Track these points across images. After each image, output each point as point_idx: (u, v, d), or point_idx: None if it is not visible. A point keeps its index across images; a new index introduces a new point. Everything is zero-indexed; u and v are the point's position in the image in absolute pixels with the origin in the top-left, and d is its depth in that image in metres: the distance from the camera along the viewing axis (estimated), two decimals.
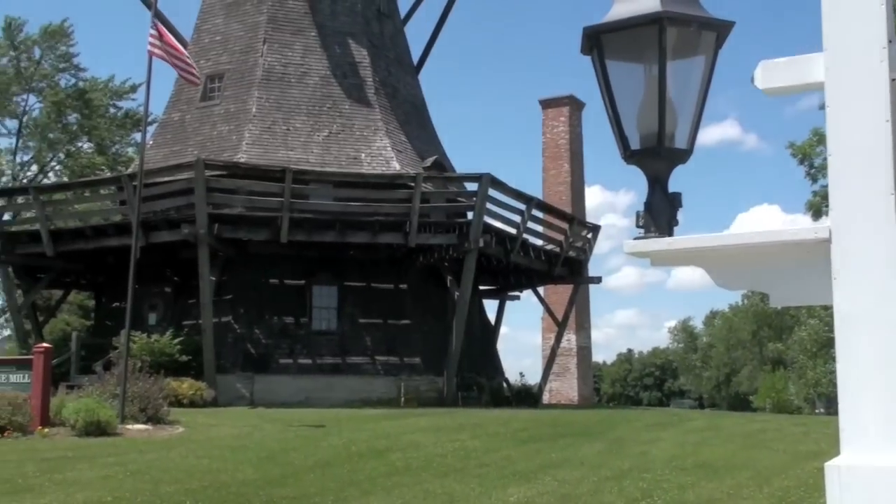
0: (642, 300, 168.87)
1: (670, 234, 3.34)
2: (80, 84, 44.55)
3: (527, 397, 31.36)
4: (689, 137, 3.37)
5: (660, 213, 3.36)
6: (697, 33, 3.30)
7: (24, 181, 41.78)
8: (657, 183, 3.39)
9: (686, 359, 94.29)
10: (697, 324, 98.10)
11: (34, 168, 44.70)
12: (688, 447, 16.19)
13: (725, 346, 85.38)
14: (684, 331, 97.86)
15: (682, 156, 3.39)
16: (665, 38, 3.19)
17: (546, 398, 36.49)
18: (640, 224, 3.41)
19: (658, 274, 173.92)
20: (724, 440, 17.64)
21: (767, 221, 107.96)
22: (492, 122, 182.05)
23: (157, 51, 18.67)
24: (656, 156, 3.33)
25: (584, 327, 42.02)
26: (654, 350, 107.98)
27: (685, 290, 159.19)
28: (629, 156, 3.40)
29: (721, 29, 3.33)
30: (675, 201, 3.40)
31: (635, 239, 3.35)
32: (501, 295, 35.22)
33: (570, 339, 39.82)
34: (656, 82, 3.30)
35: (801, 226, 6.33)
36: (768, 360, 75.21)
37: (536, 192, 37.78)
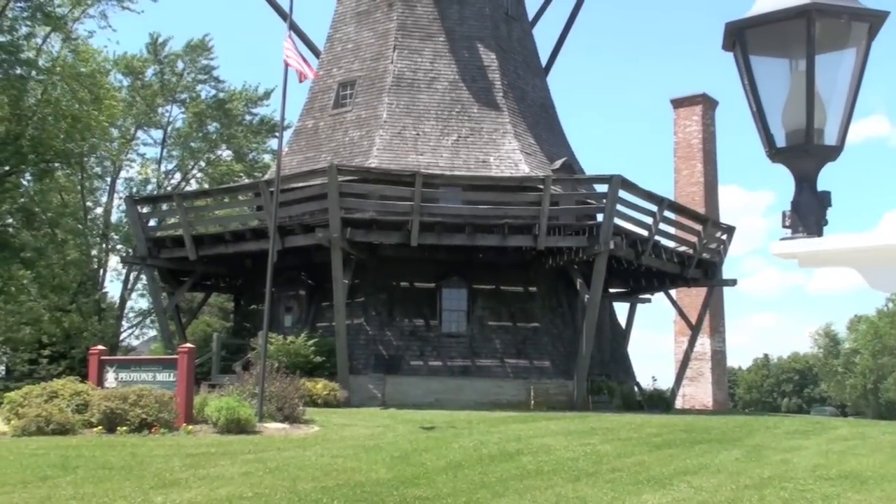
0: (780, 304, 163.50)
1: (819, 234, 3.23)
2: (220, 95, 46.28)
3: (659, 402, 30.75)
4: (839, 133, 3.24)
5: (808, 213, 3.24)
6: (848, 25, 3.18)
7: (169, 188, 43.68)
8: (805, 181, 3.27)
9: (827, 365, 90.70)
10: (839, 329, 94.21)
11: (177, 176, 46.69)
12: (832, 456, 15.54)
13: (871, 352, 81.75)
14: (826, 335, 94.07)
15: (832, 153, 3.26)
16: (814, 30, 3.09)
17: (679, 403, 35.72)
18: (787, 224, 3.30)
19: (797, 277, 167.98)
20: (871, 450, 16.85)
21: None
22: (622, 122, 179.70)
23: (291, 60, 19.21)
24: (804, 153, 3.22)
25: (718, 331, 40.96)
26: (794, 355, 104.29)
27: (826, 294, 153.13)
28: (775, 154, 3.30)
29: (874, 20, 3.19)
30: (824, 200, 3.28)
31: (782, 240, 3.24)
32: (632, 297, 34.68)
33: (703, 343, 38.89)
34: (804, 77, 3.19)
35: None
36: None
37: (668, 192, 37.10)
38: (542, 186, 26.71)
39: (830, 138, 3.24)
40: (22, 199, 31.81)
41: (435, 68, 32.00)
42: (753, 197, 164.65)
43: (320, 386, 24.04)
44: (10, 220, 32.71)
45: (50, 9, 31.72)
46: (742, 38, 3.26)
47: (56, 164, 35.07)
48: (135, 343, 48.50)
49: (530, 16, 37.29)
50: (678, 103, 42.90)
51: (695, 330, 33.20)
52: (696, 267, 31.23)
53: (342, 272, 25.87)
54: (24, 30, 31.79)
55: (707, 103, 42.43)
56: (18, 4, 31.22)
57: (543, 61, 36.76)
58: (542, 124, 33.50)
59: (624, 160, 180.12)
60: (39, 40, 32.67)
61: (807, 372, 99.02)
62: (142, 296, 44.51)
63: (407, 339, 28.14)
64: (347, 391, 24.96)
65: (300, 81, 20.18)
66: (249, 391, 18.36)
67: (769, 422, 23.72)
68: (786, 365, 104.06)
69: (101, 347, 18.97)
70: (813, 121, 3.16)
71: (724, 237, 32.62)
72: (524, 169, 29.57)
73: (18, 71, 30.79)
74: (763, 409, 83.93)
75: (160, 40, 44.39)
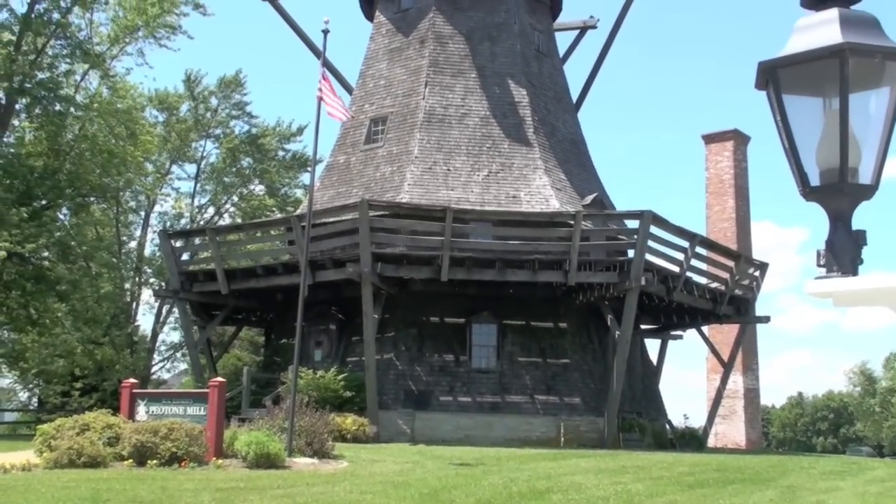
0: (815, 341, 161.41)
1: (854, 273, 3.20)
2: (253, 130, 46.83)
3: (691, 440, 30.38)
4: (874, 172, 3.22)
5: (843, 252, 3.22)
6: (882, 64, 3.17)
7: (202, 222, 44.11)
8: (840, 220, 3.25)
9: (863, 404, 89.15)
10: (875, 367, 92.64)
11: (211, 210, 47.15)
12: (869, 498, 15.24)
13: None
14: (862, 374, 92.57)
15: (867, 192, 3.25)
16: (847, 70, 3.08)
17: (711, 441, 35.26)
18: (822, 263, 3.28)
19: (832, 314, 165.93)
20: None
21: None
22: (653, 158, 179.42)
23: (330, 103, 19.44)
24: (839, 192, 3.20)
25: (751, 368, 40.49)
26: (829, 394, 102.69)
27: (862, 332, 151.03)
28: (809, 193, 3.28)
29: None
30: (859, 239, 3.26)
31: (817, 279, 3.22)
32: (663, 334, 34.40)
33: (736, 381, 38.44)
34: (837, 116, 3.19)
35: None
36: None
37: (700, 228, 36.87)
38: (572, 222, 26.68)
39: (865, 177, 3.22)
40: (58, 233, 32.24)
41: (466, 104, 32.21)
42: (787, 233, 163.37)
43: (350, 421, 24.00)
44: (47, 254, 33.14)
45: (89, 46, 32.34)
46: (775, 77, 3.27)
47: (92, 199, 35.57)
48: (166, 376, 48.86)
49: (561, 52, 37.52)
50: (709, 139, 42.79)
51: (727, 367, 32.85)
52: (729, 304, 30.97)
53: (372, 307, 25.92)
54: (63, 67, 32.42)
55: (738, 139, 42.29)
56: (59, 42, 31.88)
57: (574, 97, 36.89)
58: (573, 160, 33.53)
59: (655, 196, 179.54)
60: (78, 77, 33.28)
61: (842, 411, 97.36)
62: (173, 329, 44.88)
63: (437, 375, 28.07)
64: (377, 426, 24.91)
65: (335, 118, 20.39)
66: (279, 426, 18.37)
67: (804, 462, 23.34)
68: (820, 403, 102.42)
69: (132, 381, 19.09)
70: (847, 159, 3.15)
71: (757, 273, 32.35)
72: (555, 204, 29.56)
73: (57, 107, 31.36)
74: (798, 449, 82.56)
75: (195, 76, 45.10)
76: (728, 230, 40.50)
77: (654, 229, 27.11)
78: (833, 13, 3.17)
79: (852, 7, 3.19)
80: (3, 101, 30.81)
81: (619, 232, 29.98)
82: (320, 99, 19.38)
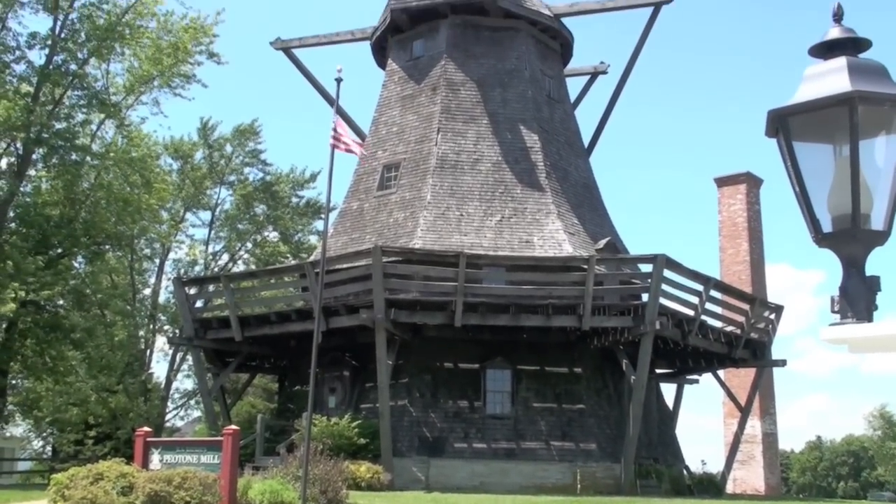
0: (834, 385, 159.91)
1: (869, 319, 3.19)
2: (267, 177, 47.17)
3: (709, 486, 30.00)
4: (886, 218, 3.23)
5: (857, 298, 3.22)
6: (891, 111, 3.19)
7: (216, 269, 44.26)
8: (853, 267, 3.25)
9: (884, 448, 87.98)
10: (895, 410, 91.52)
11: (225, 257, 47.34)
12: None
13: None
14: (882, 417, 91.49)
15: (880, 238, 3.25)
16: (857, 117, 3.11)
17: (730, 487, 34.81)
18: (836, 309, 3.27)
19: (850, 358, 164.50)
20: None
21: None
22: (665, 201, 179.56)
23: (338, 143, 19.58)
24: (851, 238, 3.21)
25: (769, 413, 40.08)
26: (848, 437, 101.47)
27: (881, 375, 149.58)
28: (821, 239, 3.29)
29: None
30: (873, 285, 3.26)
31: (831, 325, 3.22)
32: (679, 378, 34.16)
33: (754, 426, 38.05)
34: (847, 163, 3.21)
35: None
36: None
37: (714, 272, 36.73)
38: (586, 266, 26.66)
39: (877, 223, 3.23)
40: (73, 281, 32.42)
41: (478, 150, 32.39)
42: (803, 276, 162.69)
43: (364, 469, 23.84)
44: (62, 302, 33.30)
45: (105, 96, 32.78)
46: (785, 124, 3.29)
47: (107, 247, 35.80)
48: (179, 424, 48.66)
49: (572, 97, 37.81)
50: (722, 182, 42.83)
51: (744, 412, 32.55)
52: (745, 347, 30.77)
53: (386, 353, 25.86)
54: (80, 117, 32.84)
55: (751, 182, 42.31)
56: (76, 93, 32.34)
57: (586, 141, 37.07)
58: (586, 204, 33.60)
59: (668, 239, 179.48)
60: (94, 127, 33.69)
61: (862, 455, 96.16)
62: (187, 376, 44.81)
63: (451, 421, 27.90)
64: (391, 474, 24.72)
65: (353, 154, 20.52)
66: (293, 474, 18.27)
67: None
68: (840, 448, 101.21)
69: (146, 429, 19.05)
70: (859, 206, 3.16)
71: (773, 317, 32.17)
72: (568, 249, 29.57)
73: (74, 157, 31.71)
74: (818, 494, 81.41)
75: (210, 124, 45.56)
76: (742, 273, 40.35)
77: (667, 273, 27.05)
78: (841, 62, 3.20)
79: (860, 55, 3.23)
80: (21, 152, 31.20)
81: (633, 276, 29.92)
82: (333, 147, 19.53)
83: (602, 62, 39.77)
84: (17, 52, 31.04)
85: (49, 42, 30.79)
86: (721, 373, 34.10)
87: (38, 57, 31.51)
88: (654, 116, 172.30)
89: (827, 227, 3.29)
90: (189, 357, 37.95)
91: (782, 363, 33.03)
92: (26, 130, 29.51)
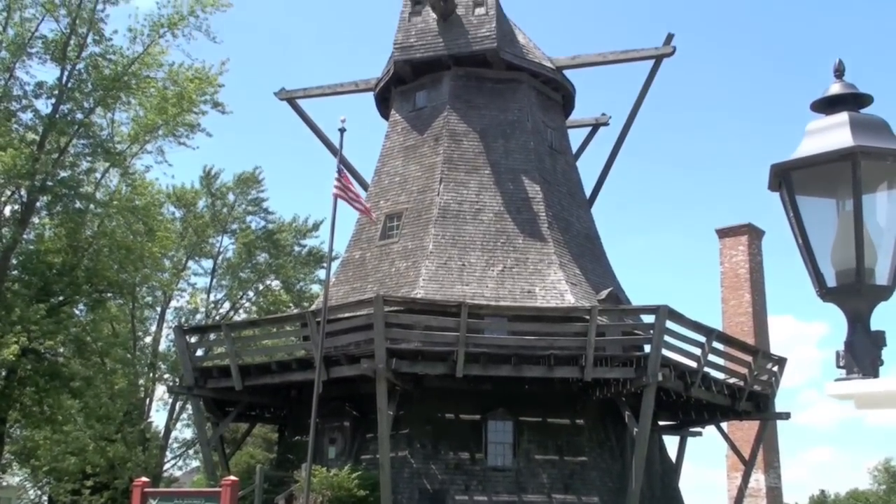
0: (838, 438, 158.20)
1: (875, 375, 3.17)
2: (269, 226, 47.30)
3: None
4: (891, 273, 3.22)
5: (862, 354, 3.20)
6: (894, 166, 3.20)
7: (217, 318, 44.16)
8: (858, 321, 3.24)
9: (889, 502, 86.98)
10: None
11: (226, 305, 47.26)
12: None
13: None
14: (886, 471, 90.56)
15: (884, 293, 3.24)
16: (859, 172, 3.12)
17: None
18: (841, 364, 3.25)
19: (855, 411, 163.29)
20: None
21: None
22: (666, 252, 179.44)
23: (341, 193, 19.69)
24: (856, 293, 3.20)
25: (773, 466, 39.67)
26: (853, 491, 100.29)
27: (886, 428, 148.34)
28: (826, 293, 3.28)
29: None
30: (878, 340, 3.24)
31: (837, 381, 3.19)
32: (682, 431, 33.86)
33: (758, 479, 37.63)
34: (851, 217, 3.21)
35: None
36: None
37: (716, 323, 36.61)
38: (588, 317, 26.58)
39: (882, 278, 3.22)
40: (74, 329, 32.33)
41: (480, 200, 32.50)
42: (807, 328, 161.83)
43: None
44: (62, 350, 33.18)
45: (110, 145, 32.99)
46: (788, 179, 3.30)
47: (109, 295, 35.75)
48: (177, 473, 48.22)
49: (574, 148, 38.05)
50: (723, 233, 42.87)
51: (748, 465, 32.22)
52: (748, 399, 30.57)
53: (387, 403, 25.68)
54: (85, 165, 33.02)
55: (753, 233, 42.35)
56: (81, 142, 32.55)
57: (588, 192, 37.21)
58: (588, 255, 33.62)
59: (670, 290, 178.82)
60: (99, 175, 33.85)
61: None
62: (186, 426, 44.51)
63: (452, 473, 27.62)
64: None
65: (371, 220, 20.63)
66: None
67: None
68: (844, 502, 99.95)
69: (144, 479, 18.90)
70: (863, 261, 3.16)
71: (776, 369, 32.02)
72: (570, 299, 29.51)
73: (77, 204, 31.82)
74: None
75: (212, 173, 45.81)
76: (745, 324, 40.21)
77: (670, 324, 26.97)
78: (843, 117, 3.22)
79: (861, 111, 3.25)
80: (25, 199, 31.32)
81: (635, 327, 29.84)
82: (336, 196, 19.62)
83: (604, 114, 40.09)
84: (24, 101, 31.34)
85: (56, 91, 31.08)
86: (724, 425, 33.84)
87: (44, 106, 31.76)
88: (656, 167, 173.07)
89: (831, 281, 3.29)
90: (189, 406, 37.70)
91: (786, 416, 32.80)
92: (31, 178, 29.65)
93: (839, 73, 3.33)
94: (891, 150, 3.16)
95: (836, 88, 3.32)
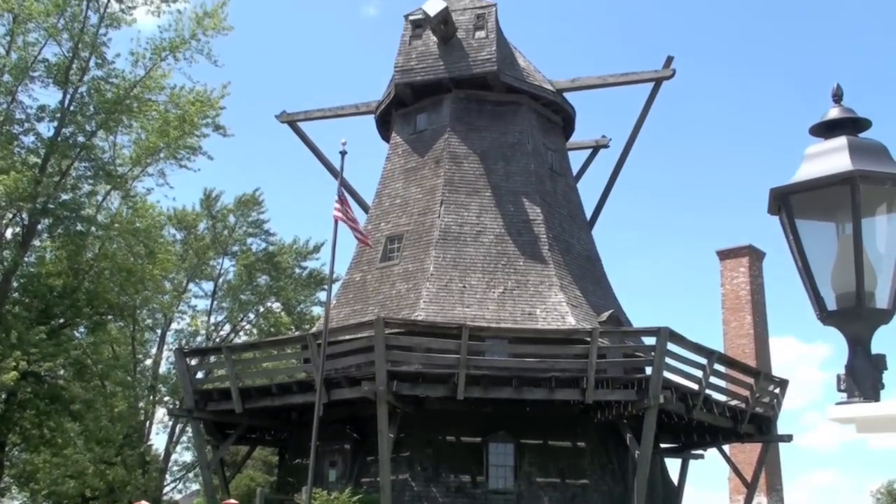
0: (840, 460, 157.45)
1: (876, 398, 3.17)
2: (270, 248, 47.34)
3: None
4: (891, 297, 3.23)
5: (863, 377, 3.20)
6: (892, 190, 3.21)
7: (218, 340, 44.12)
8: (858, 345, 3.24)
9: None
10: None
11: (227, 328, 47.23)
12: None
13: None
14: (889, 494, 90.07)
15: (885, 316, 3.25)
16: (858, 196, 3.13)
17: None
18: (843, 388, 3.25)
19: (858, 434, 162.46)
20: None
21: None
22: (667, 274, 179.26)
23: (341, 216, 19.72)
24: (856, 317, 3.20)
25: (775, 489, 39.46)
26: None
27: (889, 450, 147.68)
28: (826, 317, 3.28)
29: None
30: (879, 364, 3.24)
31: (838, 404, 3.19)
32: (684, 453, 33.69)
33: (760, 502, 37.42)
34: (850, 241, 3.22)
35: None
36: None
37: (717, 345, 36.50)
38: (589, 339, 26.52)
39: (882, 301, 3.23)
40: (75, 352, 32.29)
41: (481, 222, 32.53)
42: (809, 349, 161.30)
43: None
44: (62, 372, 33.12)
45: (112, 168, 33.07)
46: (787, 203, 3.32)
47: (109, 317, 35.73)
48: (177, 497, 48.01)
49: (574, 170, 38.13)
50: (724, 255, 42.87)
51: (751, 488, 32.04)
52: (750, 422, 30.43)
53: (388, 426, 25.58)
54: (86, 188, 33.10)
55: (753, 255, 42.35)
56: (83, 164, 32.64)
57: (588, 214, 37.26)
58: (588, 277, 33.60)
59: (671, 312, 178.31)
60: (100, 197, 33.93)
61: None
62: (186, 449, 44.40)
63: (452, 496, 27.48)
64: None
65: (367, 247, 20.64)
66: None
67: None
68: None
69: (144, 502, 18.80)
70: (863, 284, 3.16)
71: (777, 391, 31.91)
72: (571, 321, 29.47)
73: (79, 227, 31.86)
74: None
75: (213, 195, 45.90)
76: (746, 346, 40.13)
77: (671, 346, 26.90)
78: (842, 141, 3.23)
79: (860, 135, 3.26)
80: (27, 222, 31.37)
81: (636, 349, 29.75)
82: (337, 219, 19.65)
83: (604, 136, 40.20)
84: (27, 125, 31.46)
85: (58, 115, 31.20)
86: (726, 448, 33.69)
87: (46, 129, 31.89)
88: (656, 189, 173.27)
89: (831, 304, 3.29)
90: (189, 429, 37.59)
91: (788, 438, 32.65)
92: (32, 201, 29.71)
93: (837, 97, 3.36)
94: (889, 175, 3.17)
95: (834, 113, 3.34)
